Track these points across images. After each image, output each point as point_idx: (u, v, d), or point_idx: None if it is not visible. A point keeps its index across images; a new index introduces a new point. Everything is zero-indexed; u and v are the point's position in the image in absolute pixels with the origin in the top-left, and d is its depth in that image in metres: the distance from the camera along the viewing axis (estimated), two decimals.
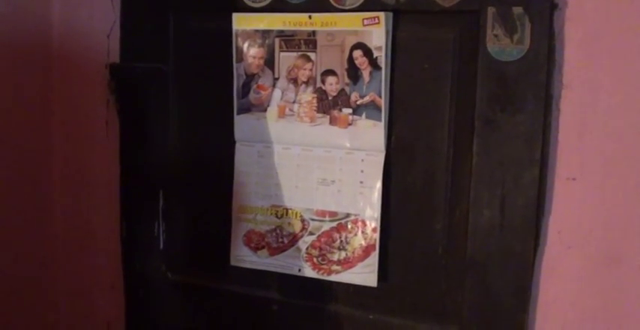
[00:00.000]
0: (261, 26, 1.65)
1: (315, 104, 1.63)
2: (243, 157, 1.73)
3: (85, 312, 2.07)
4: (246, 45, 1.68)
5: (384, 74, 1.54)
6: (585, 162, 1.43)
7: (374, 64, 1.55)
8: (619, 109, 1.39)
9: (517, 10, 1.41)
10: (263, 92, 1.68)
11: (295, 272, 1.70)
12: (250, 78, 1.69)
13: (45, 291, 2.04)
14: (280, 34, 1.64)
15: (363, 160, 1.60)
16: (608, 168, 1.41)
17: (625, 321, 1.44)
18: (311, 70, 1.62)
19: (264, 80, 1.68)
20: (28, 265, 1.97)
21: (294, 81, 1.64)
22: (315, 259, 1.67)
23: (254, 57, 1.68)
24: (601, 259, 1.44)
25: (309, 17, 1.60)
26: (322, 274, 1.66)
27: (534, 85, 1.42)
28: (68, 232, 2.03)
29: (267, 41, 1.65)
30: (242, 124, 1.72)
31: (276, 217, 1.70)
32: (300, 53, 1.62)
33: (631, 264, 1.42)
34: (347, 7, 1.56)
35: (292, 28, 1.62)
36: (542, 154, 1.44)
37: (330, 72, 1.60)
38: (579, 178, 1.43)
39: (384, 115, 1.55)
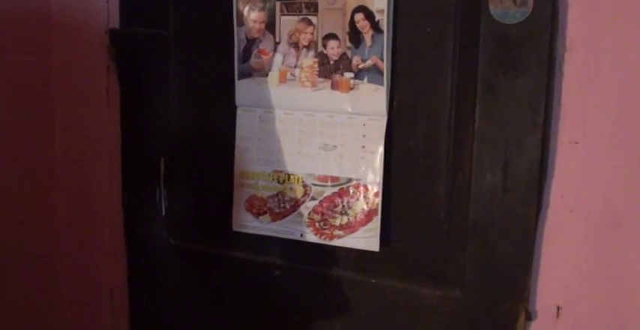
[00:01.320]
0: None
1: (317, 69, 1.61)
2: (245, 122, 1.72)
3: (87, 279, 2.08)
4: (246, 9, 1.66)
5: (385, 38, 1.53)
6: (588, 125, 1.42)
7: (376, 27, 1.54)
8: (623, 72, 1.38)
9: None
10: (264, 57, 1.67)
11: (297, 237, 1.70)
12: (251, 42, 1.68)
13: (47, 259, 2.04)
14: None
15: (364, 125, 1.59)
16: (611, 131, 1.40)
17: (627, 284, 1.44)
18: (312, 34, 1.61)
19: (265, 45, 1.67)
20: (30, 234, 1.97)
21: (296, 45, 1.63)
22: (317, 224, 1.67)
23: (255, 21, 1.66)
24: (604, 223, 1.43)
25: None
26: (324, 239, 1.66)
27: (537, 48, 1.40)
28: (70, 199, 2.03)
29: (267, 5, 1.64)
30: (243, 89, 1.71)
31: (278, 182, 1.70)
32: (301, 17, 1.61)
33: (634, 227, 1.41)
34: None
35: None
36: (545, 117, 1.42)
37: (331, 36, 1.59)
38: (582, 141, 1.43)
39: (385, 79, 1.54)
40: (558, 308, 1.50)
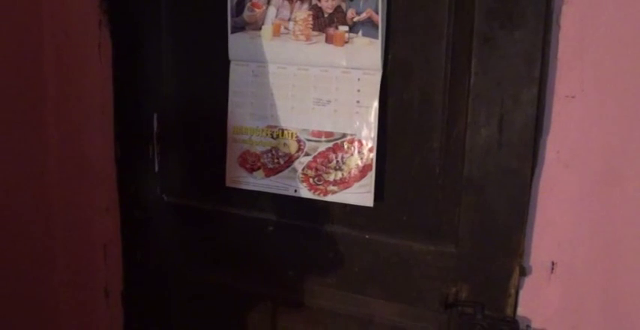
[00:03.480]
0: None
1: (311, 22, 1.59)
2: (238, 77, 1.70)
3: (80, 235, 2.08)
4: None
5: None
6: (585, 80, 1.40)
7: None
8: (620, 26, 1.36)
9: None
10: (257, 10, 1.64)
11: (291, 193, 1.69)
12: None
13: (39, 215, 2.03)
14: None
15: (359, 79, 1.57)
16: (608, 86, 1.39)
17: (622, 239, 1.44)
18: None
19: None
20: (22, 191, 1.97)
21: None
22: (311, 180, 1.66)
23: None
24: (599, 179, 1.43)
25: None
26: (318, 194, 1.66)
27: (534, 0, 1.38)
28: (62, 155, 2.02)
29: None
30: (236, 43, 1.68)
31: (272, 137, 1.69)
32: None
33: (629, 183, 1.41)
34: None
35: None
36: (542, 71, 1.41)
37: None
38: (579, 96, 1.41)
39: (380, 32, 1.52)
40: (553, 264, 1.50)
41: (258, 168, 1.71)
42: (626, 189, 1.41)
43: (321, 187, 1.65)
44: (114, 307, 2.09)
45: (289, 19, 1.61)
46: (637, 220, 1.42)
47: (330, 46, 1.58)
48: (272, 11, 1.63)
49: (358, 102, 1.58)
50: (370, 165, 1.59)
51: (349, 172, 1.61)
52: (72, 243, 2.09)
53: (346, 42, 1.56)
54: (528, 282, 1.53)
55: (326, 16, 1.57)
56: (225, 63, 1.71)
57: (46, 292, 2.09)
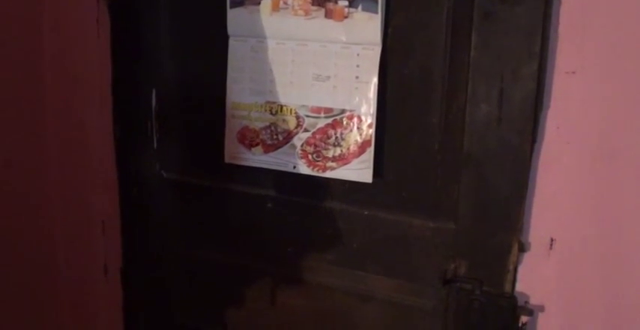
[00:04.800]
0: None
1: None
2: (237, 52, 1.69)
3: (80, 212, 2.08)
4: None
5: None
6: (586, 55, 1.39)
7: None
8: (622, 1, 1.35)
9: None
10: None
11: (290, 169, 1.68)
12: None
13: (39, 192, 2.03)
14: None
15: (358, 55, 1.56)
16: (608, 61, 1.38)
17: (621, 215, 1.43)
18: None
19: None
20: (21, 168, 1.96)
21: None
22: (310, 156, 1.65)
23: None
24: (599, 154, 1.42)
25: None
26: (317, 170, 1.65)
27: None
28: (61, 132, 2.02)
29: None
30: (235, 18, 1.67)
31: (271, 113, 1.68)
32: None
33: (629, 159, 1.40)
34: None
35: None
36: (542, 46, 1.40)
37: None
38: (579, 71, 1.40)
39: (380, 6, 1.51)
40: (552, 240, 1.50)
41: (257, 144, 1.71)
42: (626, 164, 1.41)
43: (320, 163, 1.64)
44: (113, 284, 2.09)
45: None
46: (636, 196, 1.41)
47: (330, 21, 1.57)
48: None
49: (357, 77, 1.57)
50: (369, 141, 1.58)
51: (348, 148, 1.60)
52: (71, 220, 2.09)
53: (345, 17, 1.55)
54: (527, 258, 1.53)
55: None
56: (224, 38, 1.70)
57: (45, 269, 2.09)
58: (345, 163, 1.62)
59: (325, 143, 1.63)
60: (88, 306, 2.15)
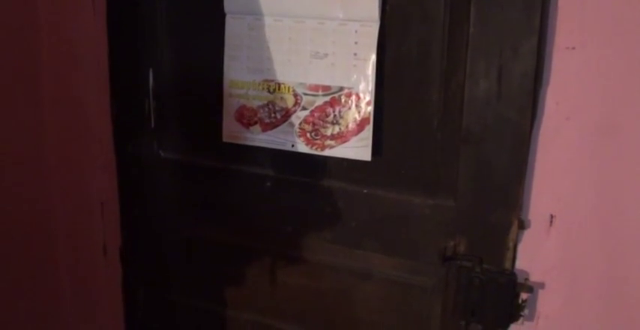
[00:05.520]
0: None
1: None
2: (234, 30, 1.68)
3: (78, 193, 2.07)
4: None
5: None
6: (586, 31, 1.38)
7: None
8: None
9: None
10: None
11: (288, 148, 1.68)
12: None
13: (37, 173, 2.02)
14: None
15: (356, 32, 1.55)
16: (608, 37, 1.37)
17: (622, 192, 1.43)
18: None
19: None
20: (18, 149, 1.95)
21: None
22: (308, 135, 1.64)
23: None
24: (599, 130, 1.41)
25: None
26: (316, 149, 1.64)
27: None
28: (58, 113, 2.00)
29: None
30: None
31: (268, 91, 1.67)
32: None
33: (630, 135, 1.39)
34: None
35: None
36: (542, 22, 1.39)
37: None
38: (579, 47, 1.39)
39: None
40: (552, 217, 1.50)
41: (255, 123, 1.70)
42: (626, 141, 1.40)
43: (318, 141, 1.64)
44: (112, 264, 2.09)
45: None
46: (637, 172, 1.40)
47: None
48: None
49: (355, 55, 1.56)
50: (368, 119, 1.57)
51: (347, 126, 1.59)
52: (70, 201, 2.08)
53: None
54: (527, 235, 1.53)
55: None
56: (221, 16, 1.69)
57: (44, 250, 2.09)
58: (344, 142, 1.61)
59: (323, 121, 1.62)
60: (87, 286, 2.15)
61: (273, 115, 1.67)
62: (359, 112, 1.58)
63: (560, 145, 1.45)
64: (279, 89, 1.65)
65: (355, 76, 1.57)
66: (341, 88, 1.59)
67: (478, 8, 1.42)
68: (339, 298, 1.77)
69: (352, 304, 1.75)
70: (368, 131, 1.58)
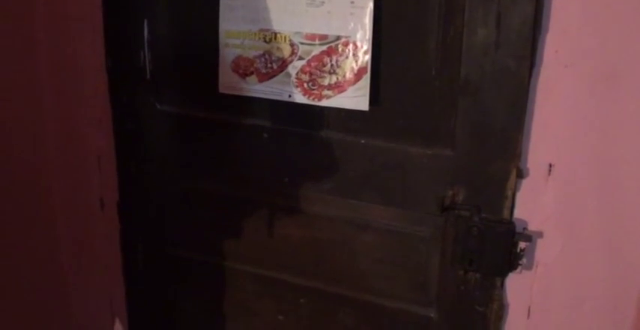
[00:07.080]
0: None
1: None
2: None
3: (75, 147, 2.06)
4: None
5: None
6: None
7: None
8: None
9: None
10: None
11: (285, 98, 1.66)
12: None
13: (32, 128, 2.01)
14: None
15: None
16: None
17: (620, 140, 1.42)
18: None
19: None
20: (14, 104, 1.93)
21: None
22: (305, 85, 1.63)
23: None
24: (598, 78, 1.40)
25: None
26: (313, 99, 1.63)
27: None
28: (53, 65, 1.98)
29: None
30: None
31: (265, 41, 1.65)
32: None
33: (628, 81, 1.38)
34: None
35: None
36: None
37: None
38: None
39: None
40: (550, 166, 1.49)
41: (252, 73, 1.68)
42: (625, 88, 1.39)
43: (315, 91, 1.62)
44: (110, 218, 2.09)
45: None
46: (635, 120, 1.40)
47: None
48: None
49: (352, 2, 1.53)
50: (365, 68, 1.56)
51: (344, 76, 1.58)
52: (66, 156, 2.07)
53: None
54: (525, 184, 1.52)
55: None
56: None
57: (42, 204, 2.08)
58: (341, 91, 1.59)
59: (320, 71, 1.60)
60: (85, 240, 2.15)
61: (269, 65, 1.66)
62: (356, 62, 1.56)
63: (559, 94, 1.44)
64: (275, 39, 1.63)
65: (352, 25, 1.55)
66: (338, 37, 1.57)
67: None
68: (337, 249, 1.77)
69: (351, 255, 1.76)
70: (365, 80, 1.56)
